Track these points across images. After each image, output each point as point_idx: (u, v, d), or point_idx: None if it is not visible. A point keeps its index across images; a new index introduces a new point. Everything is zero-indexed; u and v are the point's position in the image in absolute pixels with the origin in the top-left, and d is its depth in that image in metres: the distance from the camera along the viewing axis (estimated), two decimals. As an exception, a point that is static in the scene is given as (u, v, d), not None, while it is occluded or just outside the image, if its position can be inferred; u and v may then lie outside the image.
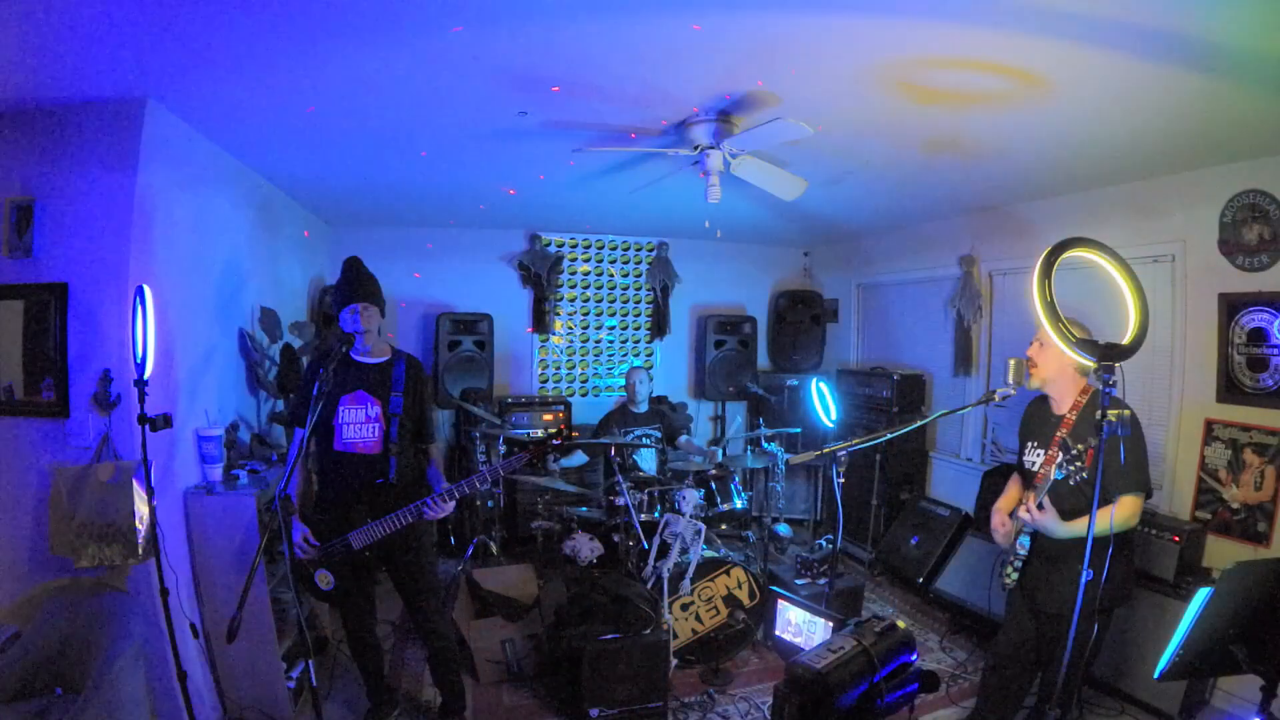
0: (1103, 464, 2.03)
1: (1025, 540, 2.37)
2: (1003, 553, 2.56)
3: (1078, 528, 2.16)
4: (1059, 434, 2.35)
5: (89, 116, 2.46)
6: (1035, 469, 2.44)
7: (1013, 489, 2.67)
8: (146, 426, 2.22)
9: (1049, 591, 2.33)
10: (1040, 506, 2.19)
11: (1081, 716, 2.81)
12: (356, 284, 2.60)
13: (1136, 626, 2.80)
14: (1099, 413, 1.77)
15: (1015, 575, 2.45)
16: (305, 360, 3.65)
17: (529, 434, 5.08)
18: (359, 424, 2.57)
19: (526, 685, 3.19)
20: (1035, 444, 2.49)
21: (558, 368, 5.87)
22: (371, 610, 2.77)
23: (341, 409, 2.55)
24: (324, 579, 2.50)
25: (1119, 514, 2.15)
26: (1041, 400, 2.50)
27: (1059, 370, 2.34)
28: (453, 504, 2.55)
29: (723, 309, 6.03)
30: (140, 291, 2.24)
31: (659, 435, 4.64)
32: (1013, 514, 2.60)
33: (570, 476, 4.63)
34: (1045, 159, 3.20)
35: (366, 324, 2.57)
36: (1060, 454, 2.15)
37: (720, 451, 4.45)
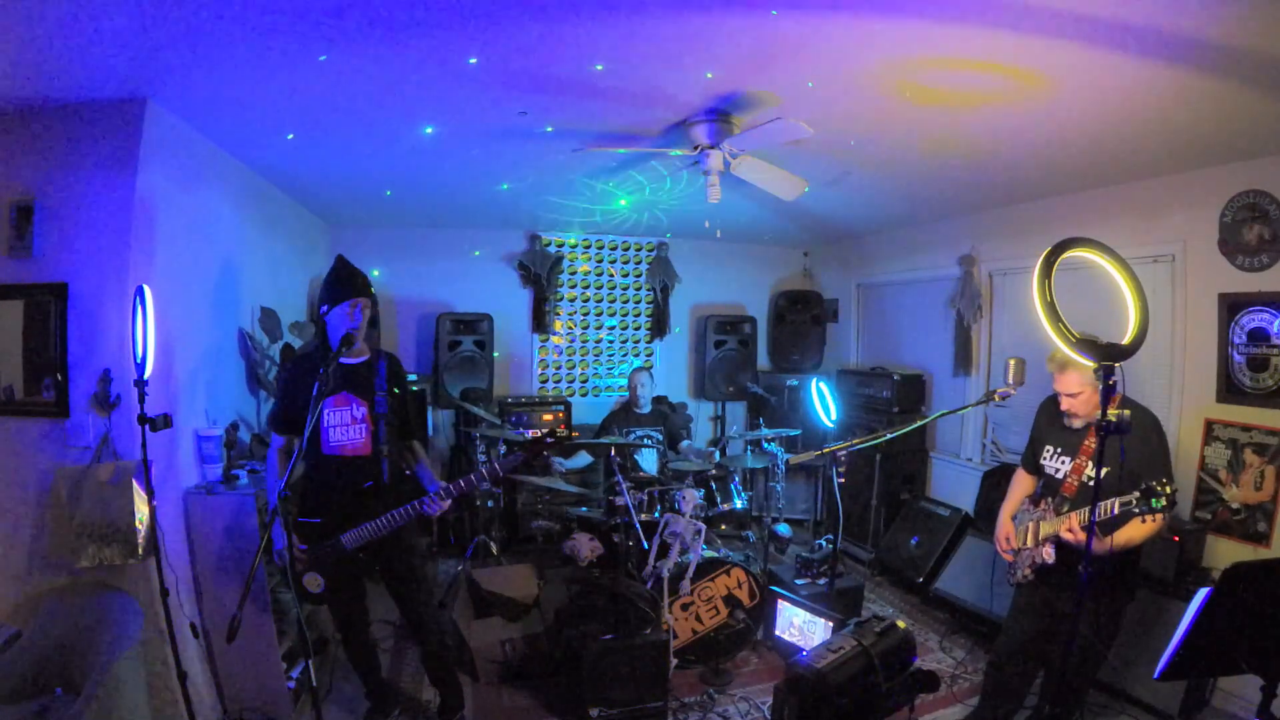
0: (1135, 470, 2.09)
1: (1053, 549, 2.37)
2: (1018, 558, 2.55)
3: (1120, 542, 2.19)
4: (1087, 443, 2.36)
5: (89, 116, 2.46)
6: (1061, 477, 2.44)
7: (1018, 490, 2.67)
8: (146, 426, 2.22)
9: (1074, 592, 2.34)
10: (1084, 528, 2.18)
11: (1083, 717, 2.81)
12: (353, 279, 2.53)
13: (1136, 626, 2.79)
14: (1118, 413, 1.77)
15: (1031, 574, 2.45)
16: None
17: (524, 434, 5.08)
18: (345, 426, 2.51)
19: (526, 685, 3.19)
20: (1058, 450, 2.49)
21: (558, 368, 5.88)
22: (364, 611, 2.75)
23: (326, 411, 2.48)
24: (313, 582, 2.45)
25: (1153, 525, 2.16)
26: (1054, 400, 2.50)
27: (1093, 402, 2.34)
28: (449, 501, 2.51)
29: (723, 309, 6.03)
30: (140, 291, 2.24)
31: (660, 438, 4.64)
32: (1014, 517, 2.60)
33: (572, 478, 4.64)
34: (1045, 159, 3.20)
35: (363, 320, 2.51)
36: (1134, 495, 2.01)
37: (718, 453, 4.45)
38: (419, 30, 2.00)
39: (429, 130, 2.88)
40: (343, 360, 2.53)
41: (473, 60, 2.21)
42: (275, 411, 2.62)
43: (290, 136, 2.78)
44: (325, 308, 2.52)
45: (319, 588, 2.47)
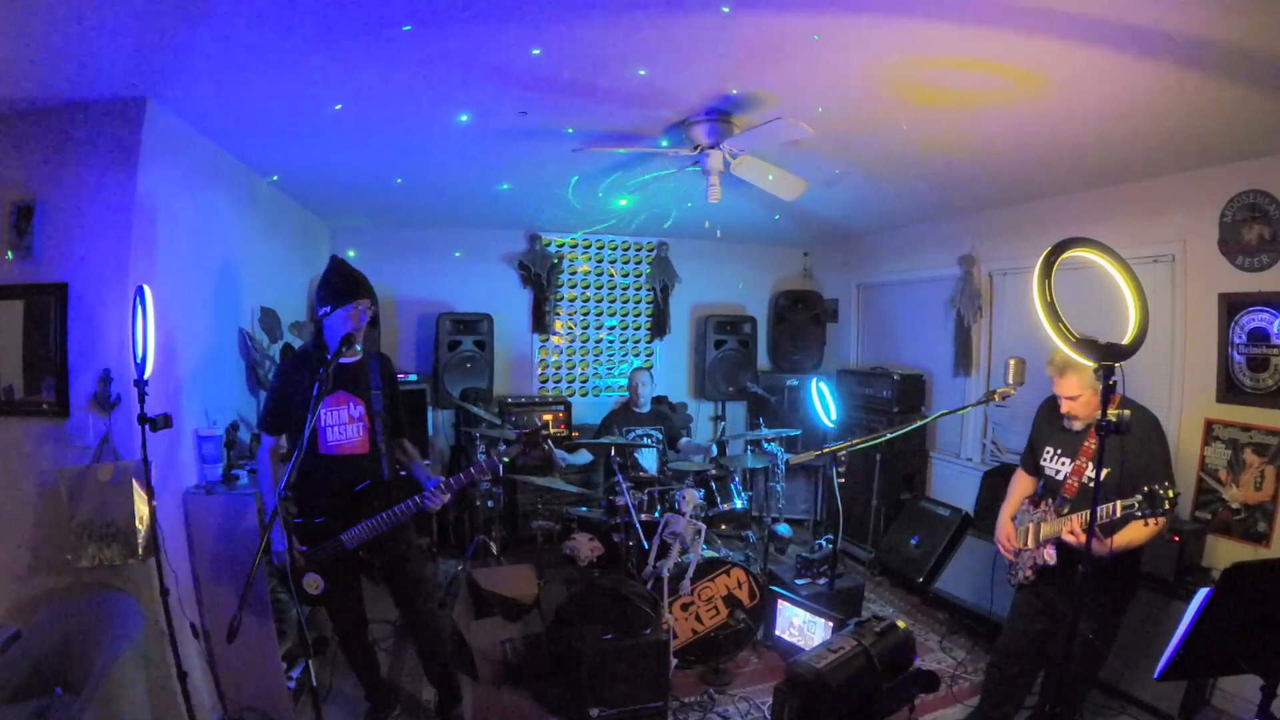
0: (1136, 471, 2.09)
1: (1054, 550, 2.37)
2: (1019, 559, 2.55)
3: (1121, 544, 2.19)
4: (1087, 444, 2.35)
5: (89, 116, 2.46)
6: (1061, 478, 2.44)
7: (1017, 490, 2.67)
8: (146, 426, 2.22)
9: (1073, 593, 2.34)
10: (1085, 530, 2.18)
11: (1083, 717, 2.81)
12: (355, 281, 2.52)
13: (1136, 626, 2.80)
14: (1117, 413, 1.77)
15: (1032, 575, 2.45)
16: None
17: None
18: (342, 425, 2.52)
19: (526, 685, 3.19)
20: (1058, 451, 2.48)
21: (558, 368, 5.88)
22: (362, 612, 2.75)
23: (323, 411, 2.47)
24: (312, 583, 2.42)
25: (1154, 527, 2.17)
26: (1054, 401, 2.49)
27: (1092, 404, 2.34)
28: (449, 495, 2.54)
29: (723, 309, 6.03)
30: (140, 291, 2.24)
31: (660, 437, 4.64)
32: (1015, 518, 2.60)
33: (573, 477, 4.64)
34: (1045, 159, 3.20)
35: (364, 322, 2.51)
36: (1137, 498, 2.03)
37: (714, 446, 4.46)
38: (421, 30, 2.00)
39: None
40: (340, 360, 2.50)
41: (474, 60, 2.21)
42: (266, 411, 2.58)
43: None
44: (326, 309, 2.49)
45: (319, 589, 2.44)
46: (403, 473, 2.74)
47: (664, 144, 3.00)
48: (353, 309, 2.47)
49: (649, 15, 1.93)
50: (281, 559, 2.35)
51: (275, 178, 3.21)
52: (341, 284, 2.51)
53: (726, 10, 1.86)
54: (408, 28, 1.98)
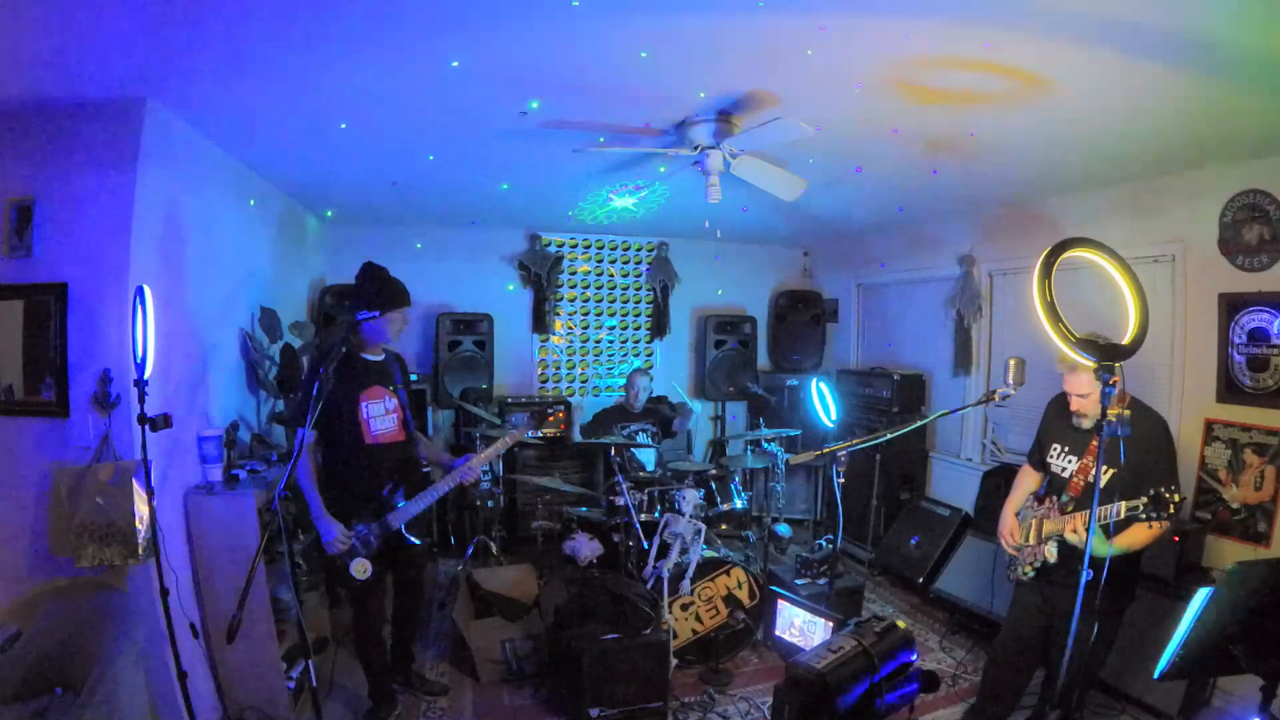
0: (1141, 472, 2.10)
1: (1055, 548, 2.37)
2: (1020, 555, 2.54)
3: (1122, 545, 2.19)
4: (1094, 443, 2.34)
5: (89, 116, 2.45)
6: (1067, 476, 2.43)
7: (1022, 486, 2.67)
8: (146, 426, 2.22)
9: (1074, 592, 2.34)
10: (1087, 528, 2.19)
11: (1083, 718, 2.81)
12: (402, 288, 2.78)
13: (1136, 626, 2.79)
14: (1118, 413, 1.77)
15: (1032, 572, 2.45)
16: (305, 360, 3.65)
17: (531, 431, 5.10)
18: (382, 416, 2.76)
19: (526, 685, 3.19)
20: (1065, 449, 2.48)
21: (557, 368, 5.87)
22: (383, 607, 2.88)
23: (364, 405, 2.70)
24: (361, 568, 2.57)
25: (1157, 530, 2.17)
26: (1063, 398, 2.49)
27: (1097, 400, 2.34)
28: (479, 466, 2.84)
29: (723, 309, 6.03)
30: (140, 291, 2.24)
31: (654, 430, 4.65)
32: (1019, 513, 2.60)
33: (573, 477, 4.63)
34: (1045, 159, 3.20)
35: (403, 326, 2.82)
36: (1143, 500, 2.03)
37: (696, 406, 4.47)
38: (421, 31, 2.00)
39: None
40: (370, 357, 2.80)
41: (474, 61, 2.21)
42: (303, 408, 2.55)
43: (344, 125, 2.77)
44: (375, 314, 2.65)
45: (367, 573, 2.58)
46: (426, 469, 2.98)
47: (664, 144, 3.00)
48: (397, 314, 2.73)
49: (650, 16, 1.92)
50: (334, 548, 2.54)
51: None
52: (390, 291, 2.73)
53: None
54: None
